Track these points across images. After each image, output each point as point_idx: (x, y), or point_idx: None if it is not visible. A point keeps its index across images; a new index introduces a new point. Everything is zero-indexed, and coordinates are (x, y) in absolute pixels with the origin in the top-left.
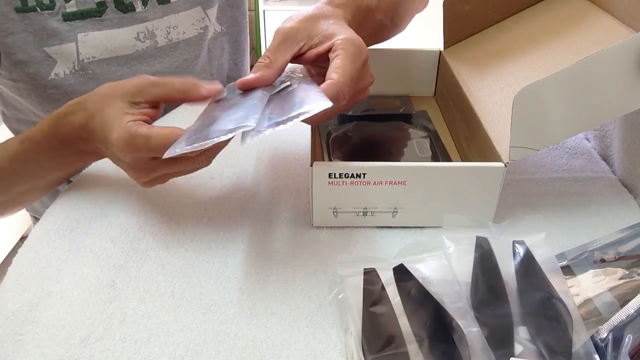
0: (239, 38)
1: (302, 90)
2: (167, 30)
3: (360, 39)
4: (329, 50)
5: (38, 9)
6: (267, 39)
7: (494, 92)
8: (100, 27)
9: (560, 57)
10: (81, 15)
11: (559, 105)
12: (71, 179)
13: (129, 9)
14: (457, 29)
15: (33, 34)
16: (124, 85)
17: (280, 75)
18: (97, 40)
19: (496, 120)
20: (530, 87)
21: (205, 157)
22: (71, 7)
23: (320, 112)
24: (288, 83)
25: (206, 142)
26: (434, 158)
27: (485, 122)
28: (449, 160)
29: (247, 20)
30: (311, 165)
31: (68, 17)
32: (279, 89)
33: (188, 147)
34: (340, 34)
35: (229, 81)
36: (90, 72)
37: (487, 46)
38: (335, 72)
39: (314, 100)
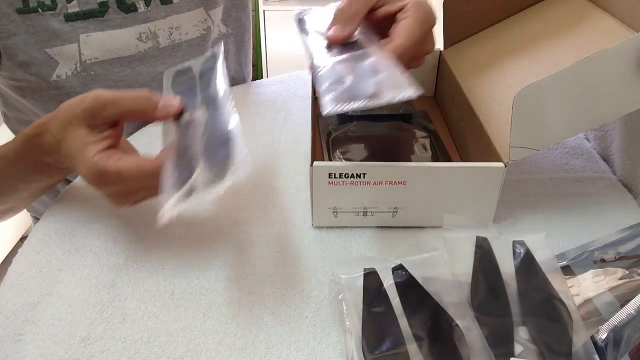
0: (244, 39)
1: (381, 65)
2: (169, 31)
3: (430, 5)
4: (399, 10)
5: (40, 9)
6: (267, 39)
7: (494, 92)
8: (102, 27)
9: (560, 57)
10: (83, 16)
11: (559, 105)
12: (70, 180)
13: (131, 9)
14: (457, 29)
15: (35, 35)
16: (77, 106)
17: (357, 27)
18: (99, 41)
19: (496, 120)
20: (530, 87)
21: None
22: (73, 8)
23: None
24: (356, 39)
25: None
26: (434, 158)
27: (485, 122)
28: (449, 160)
29: (251, 21)
30: (311, 165)
31: (70, 18)
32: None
33: (184, 204)
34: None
35: (234, 82)
36: (92, 73)
37: (487, 46)
38: (402, 34)
39: (401, 86)
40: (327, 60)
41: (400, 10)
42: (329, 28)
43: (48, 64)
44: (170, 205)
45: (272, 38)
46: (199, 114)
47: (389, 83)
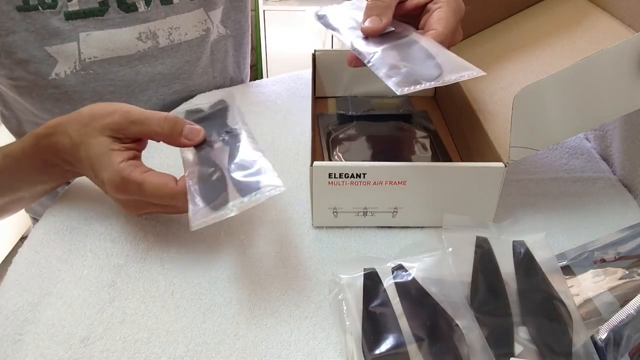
0: (242, 41)
1: (433, 50)
2: (169, 31)
3: None
4: (430, 1)
5: (40, 7)
6: (267, 39)
7: (494, 92)
8: (102, 26)
9: (560, 57)
10: (83, 15)
11: (559, 105)
12: (70, 180)
13: (132, 8)
14: None
15: (34, 33)
16: (103, 118)
17: (391, 18)
18: (98, 40)
19: (496, 120)
20: (530, 87)
21: None
22: (73, 6)
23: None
24: (392, 29)
25: None
26: (434, 158)
27: (485, 122)
28: (449, 160)
29: (249, 23)
30: (311, 165)
31: (70, 16)
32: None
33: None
34: None
35: (233, 83)
36: (91, 72)
37: (487, 46)
38: (439, 23)
39: (463, 67)
40: (373, 49)
41: (431, 0)
42: (364, 20)
43: (47, 62)
44: (200, 216)
45: (272, 38)
46: (219, 144)
47: (449, 65)
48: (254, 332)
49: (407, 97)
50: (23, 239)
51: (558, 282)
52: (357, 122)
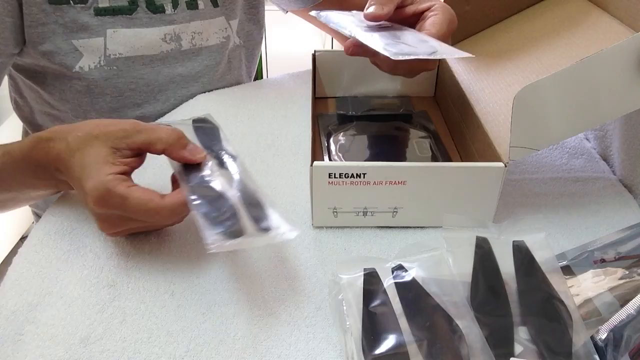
0: (254, 52)
1: (427, 38)
2: (192, 35)
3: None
4: (427, 10)
5: (71, 2)
6: (267, 39)
7: (494, 92)
8: (129, 24)
9: (560, 57)
10: (112, 12)
11: (559, 105)
12: None
13: (159, 10)
14: (457, 29)
15: (63, 25)
16: (110, 126)
17: (393, 10)
18: (125, 38)
19: (496, 120)
20: (530, 87)
21: (182, 217)
22: (104, 3)
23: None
24: (390, 25)
25: None
26: (434, 158)
27: (485, 122)
28: (449, 160)
29: (262, 35)
30: (311, 165)
31: (99, 12)
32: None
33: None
34: (436, 1)
35: None
36: (115, 67)
37: (487, 46)
38: (433, 26)
39: (455, 50)
40: (371, 34)
41: (428, 9)
42: (367, 7)
43: (72, 55)
44: (217, 240)
45: (272, 38)
46: (220, 167)
47: (442, 47)
48: (254, 332)
49: (407, 97)
50: (23, 239)
51: (558, 282)
52: (357, 122)
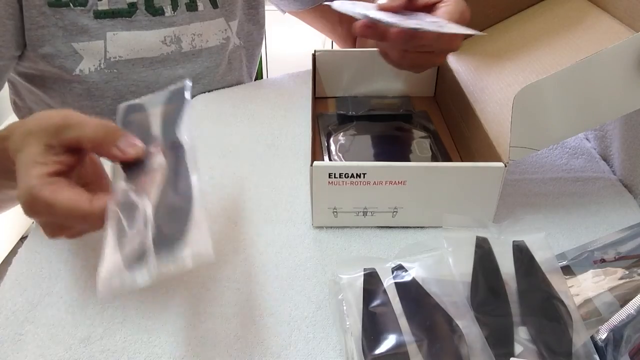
0: (254, 53)
1: (440, 21)
2: (192, 37)
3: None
4: (438, 1)
5: (71, 4)
6: (267, 39)
7: (494, 92)
8: (129, 27)
9: (560, 57)
10: (112, 15)
11: (559, 105)
12: None
13: (159, 12)
14: None
15: (63, 28)
16: (45, 119)
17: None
18: (125, 40)
19: (496, 120)
20: (530, 87)
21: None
22: (103, 6)
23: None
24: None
25: None
26: (434, 158)
27: (485, 122)
28: (449, 160)
29: (262, 36)
30: (311, 165)
31: (99, 15)
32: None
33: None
34: None
35: None
36: (115, 70)
37: (487, 46)
38: (445, 16)
39: (467, 28)
40: (384, 14)
41: (439, 1)
42: None
43: (72, 58)
44: (109, 275)
45: (272, 38)
46: (158, 159)
47: (452, 25)
48: (254, 332)
49: (407, 97)
50: (23, 239)
51: (558, 282)
52: (357, 122)
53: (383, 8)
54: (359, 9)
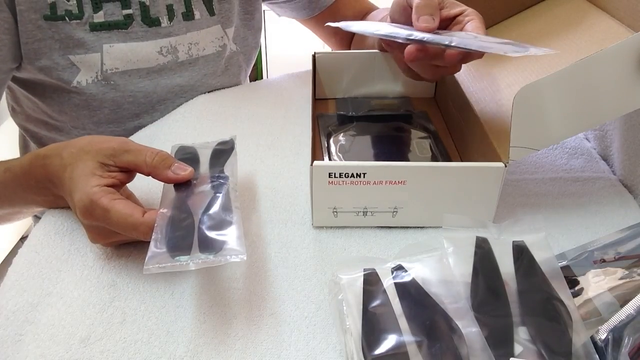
0: (251, 56)
1: (483, 38)
2: (188, 46)
3: None
4: (459, 14)
5: (67, 18)
6: (267, 39)
7: (494, 92)
8: (125, 39)
9: (560, 57)
10: (108, 27)
11: (559, 105)
12: None
13: (155, 23)
14: None
15: (59, 41)
16: (101, 143)
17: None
18: (121, 52)
19: (496, 120)
20: (530, 87)
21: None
22: (99, 18)
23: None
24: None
25: None
26: (434, 158)
27: (485, 122)
28: (449, 160)
29: (258, 41)
30: (311, 165)
31: (95, 28)
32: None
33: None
34: (465, 6)
35: None
36: (112, 82)
37: None
38: (476, 32)
39: (529, 46)
40: (442, 37)
41: (460, 14)
42: (416, 19)
43: (70, 70)
44: (157, 261)
45: (273, 39)
46: (204, 187)
47: (513, 45)
48: (254, 332)
49: (407, 98)
50: (23, 239)
51: (558, 282)
52: (357, 122)
53: (422, 29)
54: (392, 30)
